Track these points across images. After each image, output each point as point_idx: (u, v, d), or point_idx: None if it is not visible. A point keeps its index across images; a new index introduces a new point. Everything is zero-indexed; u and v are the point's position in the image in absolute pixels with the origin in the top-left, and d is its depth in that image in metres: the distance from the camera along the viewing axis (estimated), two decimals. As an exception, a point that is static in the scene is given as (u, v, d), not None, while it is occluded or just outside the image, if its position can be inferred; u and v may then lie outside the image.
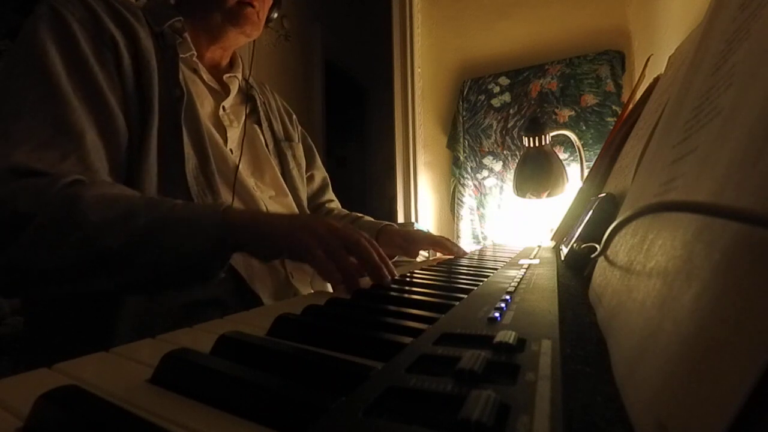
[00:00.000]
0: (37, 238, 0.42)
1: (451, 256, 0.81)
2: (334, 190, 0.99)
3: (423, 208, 1.83)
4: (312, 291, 0.67)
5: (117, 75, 0.54)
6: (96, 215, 0.43)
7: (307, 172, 0.89)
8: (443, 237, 0.83)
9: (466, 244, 1.67)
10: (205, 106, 0.67)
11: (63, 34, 0.51)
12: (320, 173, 0.94)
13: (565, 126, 1.46)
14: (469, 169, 1.68)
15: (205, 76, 0.70)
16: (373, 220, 0.88)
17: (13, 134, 0.45)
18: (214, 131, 0.65)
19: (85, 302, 0.53)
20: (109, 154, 0.52)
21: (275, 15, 0.77)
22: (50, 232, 0.42)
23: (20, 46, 0.50)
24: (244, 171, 0.69)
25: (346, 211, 0.93)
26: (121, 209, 0.44)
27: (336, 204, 0.96)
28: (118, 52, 0.55)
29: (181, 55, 0.63)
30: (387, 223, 0.83)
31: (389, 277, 0.45)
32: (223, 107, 0.71)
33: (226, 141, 0.68)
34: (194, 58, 0.68)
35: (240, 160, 0.67)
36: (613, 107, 1.41)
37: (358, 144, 3.50)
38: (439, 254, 0.86)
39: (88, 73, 0.51)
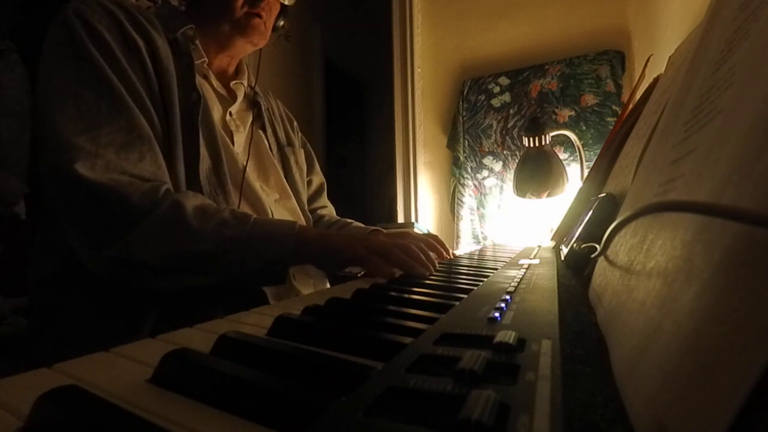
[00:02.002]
0: (149, 233, 0.49)
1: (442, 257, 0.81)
2: (334, 190, 1.00)
3: (423, 208, 1.83)
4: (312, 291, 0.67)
5: (145, 79, 0.57)
6: (196, 222, 0.51)
7: (306, 176, 0.91)
8: (431, 235, 0.83)
9: (466, 244, 1.67)
10: (214, 111, 0.69)
11: (103, 46, 0.54)
12: (318, 178, 0.96)
13: (565, 126, 1.46)
14: (469, 169, 1.68)
15: (215, 82, 0.72)
16: (362, 225, 0.89)
17: (101, 139, 0.51)
18: (224, 135, 0.67)
19: (93, 297, 0.55)
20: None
21: (281, 23, 0.79)
22: (158, 231, 0.50)
23: (73, 56, 0.53)
24: (251, 174, 0.71)
25: (337, 218, 0.95)
26: (215, 221, 0.52)
27: (329, 210, 0.97)
28: (141, 56, 0.57)
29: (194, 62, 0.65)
30: (374, 228, 0.85)
31: (429, 271, 0.52)
32: (230, 113, 0.73)
33: (233, 145, 0.70)
34: (205, 65, 0.70)
35: (247, 163, 0.70)
36: (613, 107, 1.41)
37: (358, 144, 3.50)
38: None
39: (130, 80, 0.55)
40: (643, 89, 0.78)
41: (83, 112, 0.51)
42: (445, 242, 0.76)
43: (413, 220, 1.81)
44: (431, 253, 0.57)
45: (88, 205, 0.49)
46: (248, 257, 0.52)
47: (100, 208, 0.49)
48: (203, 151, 0.61)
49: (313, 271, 0.75)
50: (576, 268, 0.49)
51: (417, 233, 0.91)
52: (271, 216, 0.70)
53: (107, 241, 0.49)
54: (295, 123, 0.94)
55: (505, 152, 1.61)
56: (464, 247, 1.65)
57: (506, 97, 1.61)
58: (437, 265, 0.53)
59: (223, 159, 0.64)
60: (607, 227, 0.28)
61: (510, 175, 1.56)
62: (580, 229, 0.52)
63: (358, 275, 0.63)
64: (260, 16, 0.69)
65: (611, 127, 1.24)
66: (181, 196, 0.53)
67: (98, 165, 0.49)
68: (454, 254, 0.83)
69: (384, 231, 0.83)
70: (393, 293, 0.39)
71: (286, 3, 0.75)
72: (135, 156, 0.52)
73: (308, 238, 0.55)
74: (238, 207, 0.65)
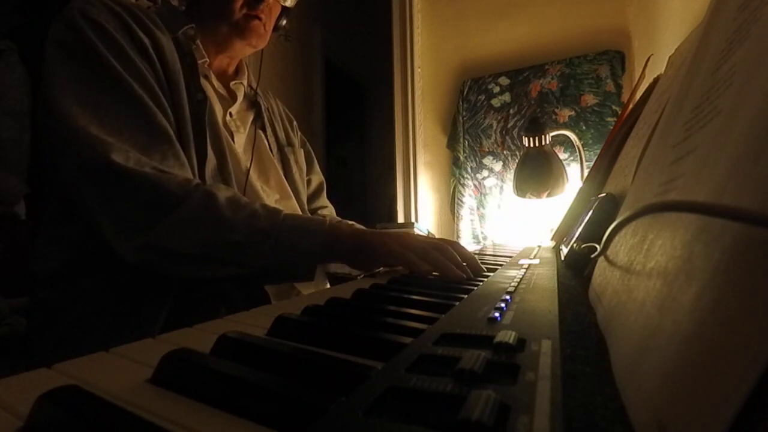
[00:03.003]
0: (180, 224, 0.50)
1: None
2: (334, 190, 0.99)
3: (423, 208, 1.83)
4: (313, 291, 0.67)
5: (155, 78, 0.57)
6: (228, 212, 0.51)
7: (305, 176, 0.91)
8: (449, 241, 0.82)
9: (466, 244, 1.66)
10: (215, 111, 0.68)
11: (112, 43, 0.54)
12: (317, 178, 0.96)
13: (565, 126, 1.46)
14: (469, 169, 1.68)
15: (215, 83, 0.72)
16: (363, 228, 0.88)
17: (123, 138, 0.51)
18: (227, 134, 0.67)
19: (89, 300, 0.55)
20: None
21: (284, 22, 0.78)
22: (191, 219, 0.50)
23: (81, 58, 0.53)
24: (252, 174, 0.71)
25: (338, 219, 0.94)
26: (247, 212, 0.52)
27: (329, 210, 0.96)
28: (149, 56, 0.57)
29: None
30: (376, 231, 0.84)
31: (466, 275, 0.50)
32: (230, 113, 0.72)
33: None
34: (206, 65, 0.70)
35: (251, 164, 0.70)
36: (613, 107, 1.41)
37: (358, 144, 3.50)
38: None
39: (146, 79, 0.55)
40: (643, 89, 0.78)
41: (103, 117, 0.51)
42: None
43: (413, 220, 1.81)
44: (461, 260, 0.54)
45: (124, 193, 0.50)
46: (278, 249, 0.51)
47: (137, 194, 0.50)
48: (209, 152, 0.61)
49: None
50: (576, 268, 0.49)
51: (419, 234, 0.91)
52: None
53: (141, 227, 0.50)
54: (295, 122, 0.94)
55: (505, 152, 1.61)
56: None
57: (506, 97, 1.61)
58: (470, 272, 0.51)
59: (228, 159, 0.64)
60: (607, 227, 0.28)
61: (510, 175, 1.56)
62: (580, 229, 0.52)
63: (359, 277, 0.63)
64: (259, 18, 0.69)
65: (611, 127, 1.24)
66: (214, 187, 0.53)
67: (131, 158, 0.50)
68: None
69: (386, 232, 0.82)
70: (393, 293, 0.39)
71: (286, 5, 0.74)
72: (158, 156, 0.53)
73: (340, 233, 0.54)
74: None
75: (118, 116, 0.52)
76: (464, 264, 0.51)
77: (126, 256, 0.51)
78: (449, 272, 0.49)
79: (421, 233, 0.96)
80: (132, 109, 0.53)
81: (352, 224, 0.89)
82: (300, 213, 0.80)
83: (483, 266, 0.54)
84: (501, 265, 0.60)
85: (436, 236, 0.88)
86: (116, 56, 0.54)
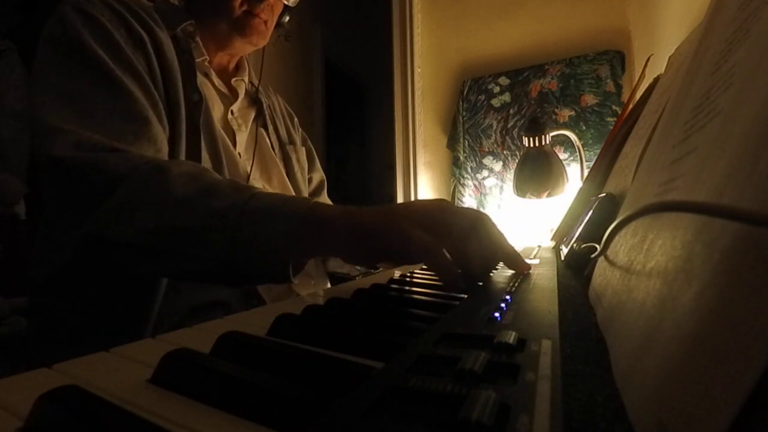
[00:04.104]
0: (119, 209, 0.42)
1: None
2: (334, 191, 0.99)
3: (423, 208, 1.82)
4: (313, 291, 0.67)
5: (150, 74, 0.55)
6: (177, 190, 0.41)
7: (306, 174, 0.90)
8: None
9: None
10: (215, 110, 0.67)
11: (103, 35, 0.52)
12: (318, 175, 0.95)
13: (565, 126, 1.46)
14: (469, 169, 1.68)
15: (216, 80, 0.71)
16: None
17: (92, 125, 0.47)
18: (225, 135, 0.66)
19: (92, 302, 0.54)
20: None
21: (286, 19, 0.76)
22: (133, 201, 0.42)
23: (69, 48, 0.51)
24: (253, 174, 0.69)
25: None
26: (203, 187, 0.42)
27: None
28: (146, 52, 0.56)
29: (195, 60, 0.63)
30: None
31: (526, 269, 0.41)
32: (232, 111, 0.71)
33: (234, 145, 0.69)
34: (206, 63, 0.68)
35: (252, 166, 0.68)
36: (613, 107, 1.41)
37: (358, 144, 3.50)
38: None
39: (135, 68, 0.53)
40: (643, 89, 0.78)
41: (76, 101, 0.48)
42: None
43: (413, 220, 1.81)
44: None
45: (64, 183, 0.45)
46: (237, 238, 0.39)
47: (75, 182, 0.44)
48: (204, 155, 0.60)
49: (313, 271, 0.74)
50: (576, 268, 0.49)
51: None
52: None
53: (81, 215, 0.43)
54: (296, 119, 0.93)
55: (505, 152, 1.61)
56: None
57: (506, 97, 1.61)
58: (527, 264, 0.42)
59: (223, 162, 0.62)
60: (607, 227, 0.28)
61: (510, 175, 1.56)
62: (580, 229, 0.52)
63: (358, 277, 0.61)
64: (260, 16, 0.67)
65: (611, 127, 1.24)
66: (173, 162, 0.44)
67: (81, 143, 0.45)
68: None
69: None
70: (393, 293, 0.39)
71: (288, 4, 0.73)
72: (129, 138, 0.48)
73: (324, 216, 0.39)
74: None
75: (94, 101, 0.48)
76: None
77: (65, 253, 0.46)
78: (481, 277, 0.38)
79: None
80: (110, 95, 0.49)
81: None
82: None
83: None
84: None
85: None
86: (103, 45, 0.51)
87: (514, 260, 0.41)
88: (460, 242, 0.37)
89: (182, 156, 0.57)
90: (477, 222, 0.39)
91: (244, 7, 0.66)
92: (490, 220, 0.41)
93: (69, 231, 0.46)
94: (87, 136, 0.45)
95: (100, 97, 0.49)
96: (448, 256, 0.36)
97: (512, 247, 0.43)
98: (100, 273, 0.50)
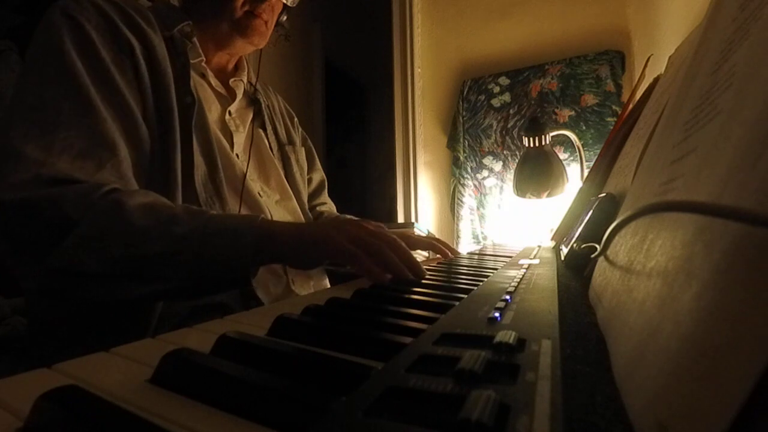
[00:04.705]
0: (82, 242, 0.43)
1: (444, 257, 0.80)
2: (334, 191, 0.99)
3: (423, 208, 1.83)
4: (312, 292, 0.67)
5: (135, 81, 0.55)
6: (139, 221, 0.45)
7: (306, 174, 0.90)
8: (435, 239, 0.81)
9: (466, 244, 1.67)
10: (212, 111, 0.67)
11: (84, 43, 0.51)
12: (318, 175, 0.94)
13: (565, 126, 1.46)
14: (469, 169, 1.68)
15: (213, 81, 0.70)
16: (352, 217, 0.88)
17: (54, 145, 0.46)
18: (221, 137, 0.65)
19: (91, 305, 0.54)
20: (136, 163, 0.53)
21: (284, 18, 0.76)
22: (95, 236, 0.44)
23: (45, 54, 0.50)
24: (250, 176, 0.69)
25: (336, 213, 0.93)
26: (163, 217, 0.46)
27: (329, 207, 0.95)
28: (134, 58, 0.55)
29: (191, 61, 0.62)
30: (352, 218, 0.83)
31: (420, 277, 0.46)
32: (229, 112, 0.71)
33: (232, 146, 0.68)
34: (203, 64, 0.68)
35: (248, 167, 0.68)
36: (613, 107, 1.41)
37: (358, 144, 3.50)
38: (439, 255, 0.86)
39: (111, 82, 0.52)
40: (643, 89, 0.78)
41: (43, 113, 0.47)
42: (446, 242, 0.75)
43: (413, 220, 1.81)
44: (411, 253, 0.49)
45: (18, 221, 0.44)
46: (203, 257, 0.45)
47: (31, 221, 0.44)
48: (198, 158, 0.59)
49: (313, 272, 0.74)
50: (576, 268, 0.49)
51: (416, 234, 0.89)
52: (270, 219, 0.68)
53: (41, 252, 0.44)
54: (296, 119, 0.92)
55: (505, 152, 1.61)
56: (464, 247, 1.64)
57: (506, 97, 1.61)
58: (425, 271, 0.47)
59: (218, 165, 0.61)
60: (607, 227, 0.28)
61: (510, 175, 1.56)
62: (580, 229, 0.52)
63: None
64: (261, 17, 0.67)
65: (611, 127, 1.24)
66: (125, 193, 0.46)
67: (42, 176, 0.44)
68: (457, 252, 0.79)
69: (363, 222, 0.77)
70: (393, 293, 0.39)
71: (288, 4, 0.73)
72: (91, 165, 0.48)
73: (273, 230, 0.47)
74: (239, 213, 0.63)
75: (59, 114, 0.47)
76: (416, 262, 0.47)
77: (31, 285, 0.46)
78: (401, 274, 0.45)
79: (421, 233, 0.96)
80: (78, 112, 0.48)
81: (350, 218, 0.89)
82: (300, 213, 0.78)
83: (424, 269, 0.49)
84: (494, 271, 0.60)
85: (436, 236, 0.88)
86: (84, 57, 0.50)
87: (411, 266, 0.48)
88: (382, 254, 0.46)
89: (178, 159, 0.56)
90: (389, 238, 0.48)
91: (246, 8, 0.66)
92: (400, 241, 0.49)
93: (29, 263, 0.47)
94: (47, 168, 0.45)
95: (66, 113, 0.48)
96: (372, 264, 0.44)
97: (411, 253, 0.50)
98: (69, 300, 0.50)
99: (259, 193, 0.69)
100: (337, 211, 0.97)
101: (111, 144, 0.50)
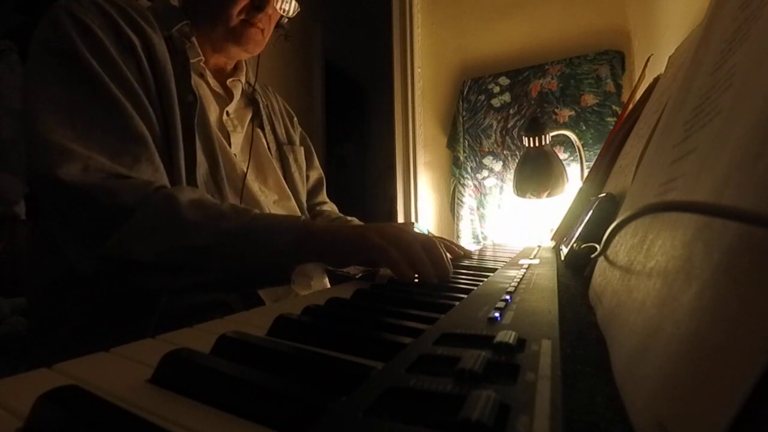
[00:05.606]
0: (137, 231, 0.47)
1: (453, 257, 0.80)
2: (334, 190, 0.98)
3: (423, 208, 1.83)
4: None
5: (141, 78, 0.55)
6: (190, 215, 0.48)
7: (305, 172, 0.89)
8: (443, 238, 0.81)
9: (466, 244, 1.67)
10: (211, 111, 0.67)
11: (94, 44, 0.52)
12: (316, 173, 0.94)
13: (565, 126, 1.46)
14: (469, 169, 1.68)
15: (211, 81, 0.70)
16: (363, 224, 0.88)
17: (93, 144, 0.49)
18: (221, 136, 0.66)
19: (92, 303, 0.54)
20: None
21: (285, 20, 0.76)
22: (150, 225, 0.47)
23: (59, 55, 0.51)
24: (249, 176, 0.69)
25: (339, 214, 0.93)
26: (211, 212, 0.49)
27: (330, 206, 0.94)
28: (137, 56, 0.55)
29: (190, 60, 0.63)
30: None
31: (445, 279, 0.47)
32: (227, 112, 0.71)
33: (230, 146, 0.68)
34: (201, 63, 0.68)
35: (248, 167, 0.68)
36: (613, 107, 1.41)
37: (358, 144, 3.50)
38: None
39: (127, 80, 0.53)
40: (643, 89, 0.78)
41: (75, 116, 0.49)
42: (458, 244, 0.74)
43: (413, 220, 1.81)
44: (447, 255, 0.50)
45: (75, 207, 0.47)
46: (248, 251, 0.48)
47: (87, 208, 0.47)
48: (200, 156, 0.59)
49: (312, 272, 0.74)
50: (576, 268, 0.49)
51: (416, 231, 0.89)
52: None
53: (97, 239, 0.47)
54: (295, 118, 0.92)
55: (505, 152, 1.61)
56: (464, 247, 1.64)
57: (506, 97, 1.61)
58: (450, 274, 0.48)
59: (220, 163, 0.62)
60: (607, 227, 0.28)
61: (510, 175, 1.56)
62: (580, 229, 0.52)
63: (357, 276, 0.62)
64: (257, 26, 0.67)
65: (611, 127, 1.24)
66: (176, 189, 0.50)
67: (90, 168, 0.47)
68: (469, 252, 0.79)
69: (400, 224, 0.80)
70: (393, 293, 0.39)
71: (287, 17, 0.72)
72: (129, 160, 0.50)
73: (314, 230, 0.50)
74: None
75: (92, 117, 0.50)
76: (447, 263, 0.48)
77: (84, 270, 0.49)
78: (428, 277, 0.46)
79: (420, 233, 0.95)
80: (107, 111, 0.51)
81: (352, 220, 0.89)
82: (299, 213, 0.78)
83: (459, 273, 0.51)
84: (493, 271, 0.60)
85: (436, 236, 0.87)
86: (97, 57, 0.52)
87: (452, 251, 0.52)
88: (411, 250, 0.47)
89: (181, 157, 0.57)
90: (425, 238, 0.50)
91: (242, 16, 0.65)
92: (436, 242, 0.50)
93: (78, 249, 0.50)
94: (93, 161, 0.48)
95: (97, 113, 0.50)
96: (400, 258, 0.46)
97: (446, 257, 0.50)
98: (120, 288, 0.52)
99: (258, 193, 0.70)
100: (338, 211, 0.97)
101: (142, 138, 0.52)
